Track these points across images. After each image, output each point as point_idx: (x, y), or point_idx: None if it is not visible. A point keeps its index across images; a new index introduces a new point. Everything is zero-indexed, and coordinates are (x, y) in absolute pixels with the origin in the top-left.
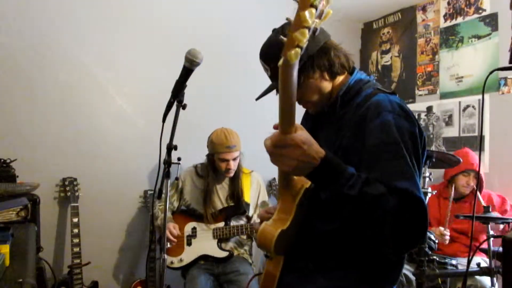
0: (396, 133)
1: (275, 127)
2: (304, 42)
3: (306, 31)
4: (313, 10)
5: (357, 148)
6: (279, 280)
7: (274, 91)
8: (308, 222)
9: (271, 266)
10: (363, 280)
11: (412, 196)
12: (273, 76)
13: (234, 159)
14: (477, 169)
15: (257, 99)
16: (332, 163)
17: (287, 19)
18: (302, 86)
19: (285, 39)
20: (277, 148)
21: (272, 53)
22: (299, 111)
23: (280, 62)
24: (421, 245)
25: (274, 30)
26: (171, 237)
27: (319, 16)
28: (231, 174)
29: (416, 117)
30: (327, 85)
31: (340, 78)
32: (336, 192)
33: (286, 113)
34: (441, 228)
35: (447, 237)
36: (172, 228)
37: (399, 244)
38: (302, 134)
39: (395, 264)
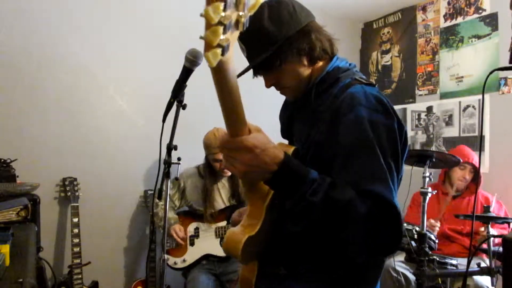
0: (370, 129)
1: None
2: (220, 41)
3: (219, 28)
4: (220, 5)
5: (330, 145)
6: (255, 285)
7: (251, 73)
8: (279, 224)
9: (246, 271)
10: (337, 284)
11: (383, 200)
12: (249, 57)
13: None
14: (474, 162)
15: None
16: (292, 168)
17: (200, 15)
18: (278, 70)
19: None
20: (226, 150)
21: (248, 32)
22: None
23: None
24: (421, 245)
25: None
26: (179, 240)
27: (239, 7)
28: (229, 173)
29: (416, 117)
30: (306, 70)
31: (319, 63)
32: (299, 200)
33: (229, 115)
34: (432, 220)
35: (437, 229)
36: (178, 230)
37: (371, 251)
38: (255, 137)
39: (372, 266)
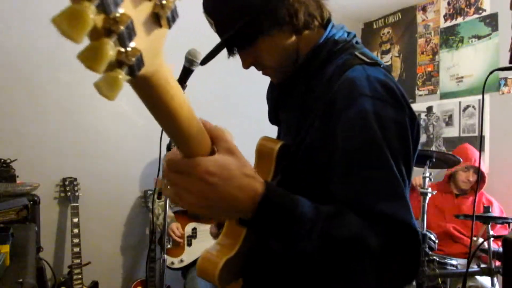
0: (377, 128)
1: None
2: (120, 56)
3: (104, 44)
4: (87, 6)
5: (325, 147)
6: None
7: (225, 52)
8: (262, 240)
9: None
10: None
11: (399, 223)
12: (218, 32)
13: None
14: (477, 164)
15: (203, 63)
16: (276, 206)
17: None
18: (255, 46)
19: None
20: (171, 174)
21: (214, 3)
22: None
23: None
24: (421, 245)
25: None
26: (176, 238)
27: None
28: None
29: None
30: (290, 43)
31: (309, 33)
32: (289, 245)
33: (172, 129)
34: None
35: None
36: (175, 228)
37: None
38: (215, 160)
39: None
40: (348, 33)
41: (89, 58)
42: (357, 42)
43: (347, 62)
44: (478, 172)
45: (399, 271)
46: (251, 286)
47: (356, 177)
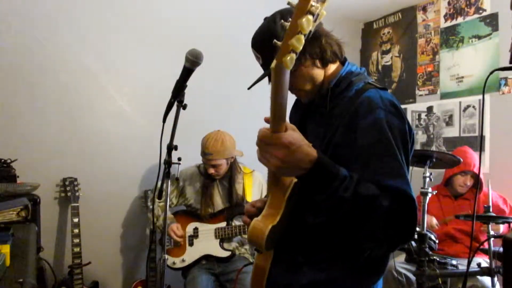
0: (388, 131)
1: (266, 120)
2: (300, 48)
3: (303, 37)
4: (310, 17)
5: (349, 145)
6: (269, 271)
7: (266, 79)
8: (298, 215)
9: (261, 259)
10: (351, 273)
11: (403, 194)
12: (265, 64)
13: (214, 166)
14: (475, 170)
15: (249, 88)
16: (325, 166)
17: (288, 3)
18: (293, 74)
19: (279, 43)
20: (263, 144)
21: (263, 41)
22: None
23: (273, 64)
24: (422, 245)
25: (265, 19)
26: (177, 238)
27: (315, 19)
28: (217, 177)
29: (417, 117)
30: (319, 73)
31: (332, 67)
32: (332, 195)
33: (276, 112)
34: (434, 221)
35: (435, 228)
36: (176, 229)
37: (389, 242)
38: (291, 134)
39: (382, 257)
40: (360, 68)
41: (297, 43)
42: (367, 75)
43: (363, 87)
44: (478, 177)
45: (400, 226)
46: (280, 254)
47: (374, 163)
